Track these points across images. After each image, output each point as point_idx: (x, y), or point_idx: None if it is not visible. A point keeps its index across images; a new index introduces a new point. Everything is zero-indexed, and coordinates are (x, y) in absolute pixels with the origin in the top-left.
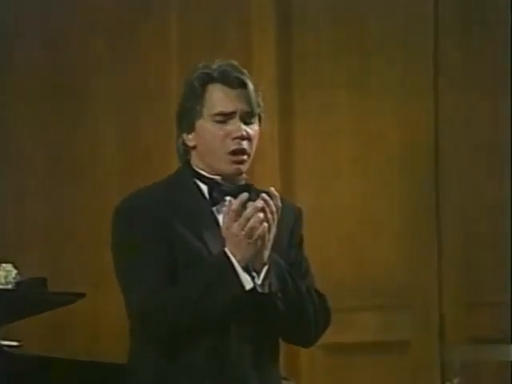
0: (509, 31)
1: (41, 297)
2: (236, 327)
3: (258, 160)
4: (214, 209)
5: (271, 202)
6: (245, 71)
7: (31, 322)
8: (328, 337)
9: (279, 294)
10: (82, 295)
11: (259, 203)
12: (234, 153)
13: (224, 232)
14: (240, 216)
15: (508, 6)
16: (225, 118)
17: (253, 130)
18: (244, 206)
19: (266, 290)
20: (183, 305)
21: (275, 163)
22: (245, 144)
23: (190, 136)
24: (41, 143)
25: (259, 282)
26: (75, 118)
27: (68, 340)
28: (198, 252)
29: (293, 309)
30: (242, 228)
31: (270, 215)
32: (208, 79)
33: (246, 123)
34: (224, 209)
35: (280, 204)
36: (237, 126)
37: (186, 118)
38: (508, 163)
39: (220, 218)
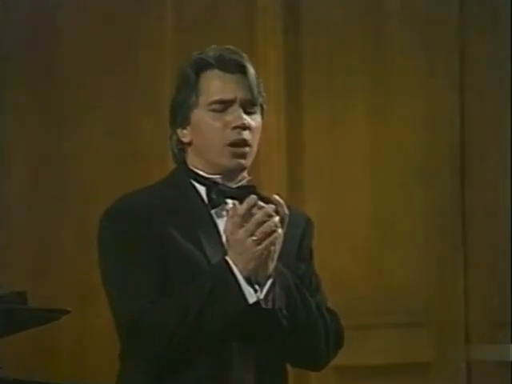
0: None
1: (20, 313)
2: (237, 348)
3: (262, 162)
4: (213, 212)
5: (284, 205)
6: (244, 55)
7: (10, 342)
8: (341, 358)
9: (284, 311)
10: (66, 312)
11: (270, 207)
12: (234, 144)
13: (227, 238)
14: (246, 221)
15: None
16: (223, 106)
17: (255, 121)
18: (250, 210)
19: (270, 306)
20: (180, 319)
21: (282, 165)
22: (246, 134)
23: (185, 131)
24: (23, 145)
25: (262, 296)
26: (60, 118)
27: (51, 362)
28: (196, 260)
29: (300, 327)
30: (249, 234)
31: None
32: (203, 65)
33: (247, 113)
34: (224, 212)
35: (287, 211)
36: (236, 115)
37: (181, 111)
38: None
39: (219, 222)
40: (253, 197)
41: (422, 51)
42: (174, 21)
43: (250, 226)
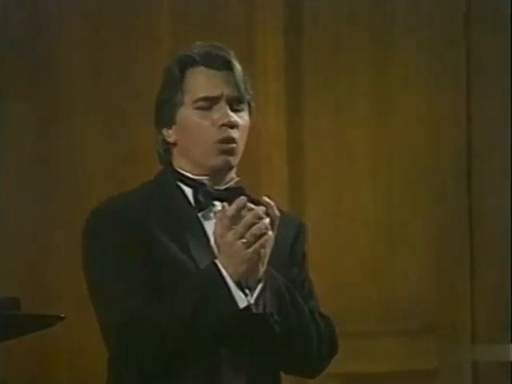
0: None
1: (13, 319)
2: (228, 354)
3: (263, 163)
4: (200, 215)
5: (275, 207)
6: (231, 52)
7: (1, 350)
8: (345, 365)
9: (276, 316)
10: (60, 318)
11: (260, 209)
12: (222, 141)
13: (216, 241)
14: (236, 224)
15: None
16: (209, 103)
17: (242, 119)
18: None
19: (261, 311)
20: (169, 324)
21: (283, 167)
22: (233, 132)
23: (171, 131)
24: (18, 144)
25: (252, 300)
26: (51, 117)
27: (45, 370)
28: (183, 263)
29: (292, 332)
30: (238, 237)
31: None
32: (188, 62)
33: (234, 110)
34: (212, 215)
35: (277, 213)
36: (223, 112)
37: (166, 110)
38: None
39: (207, 224)
40: (242, 198)
41: (426, 50)
42: (172, 20)
43: (239, 228)
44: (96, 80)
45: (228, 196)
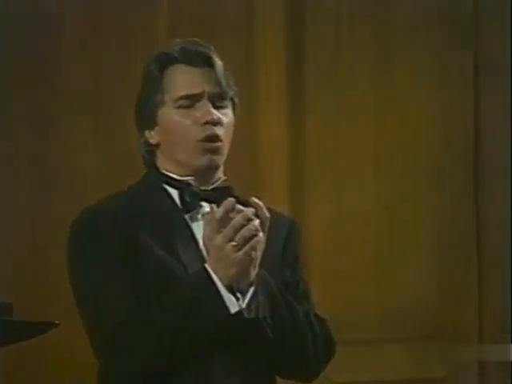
0: None
1: (4, 326)
2: (220, 360)
3: (263, 166)
4: (187, 216)
5: (264, 208)
6: (211, 47)
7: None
8: (349, 374)
9: (269, 320)
10: (54, 324)
11: (249, 211)
12: (206, 139)
13: (206, 244)
14: (225, 226)
15: None
16: (191, 101)
17: (226, 116)
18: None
19: (253, 315)
20: (158, 332)
21: (284, 170)
22: (217, 129)
23: (153, 132)
24: (10, 145)
25: (244, 304)
26: (45, 117)
27: (37, 379)
28: (171, 268)
29: (287, 336)
30: (227, 240)
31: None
32: (167, 60)
33: (217, 107)
34: (199, 216)
35: (267, 215)
36: (205, 110)
37: (146, 111)
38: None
39: (195, 226)
40: (230, 199)
41: (432, 50)
42: (169, 21)
43: (228, 230)
44: (95, 80)
45: (215, 196)
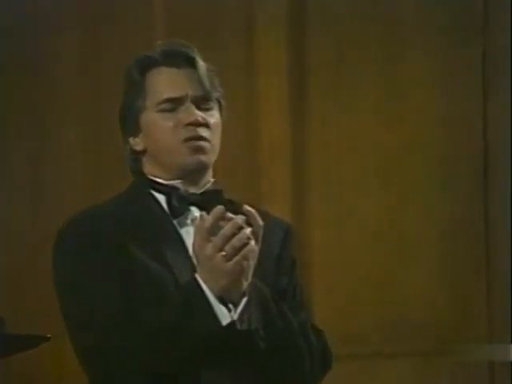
0: None
1: None
2: (212, 375)
3: (264, 172)
4: (176, 222)
5: (257, 216)
6: (193, 48)
7: None
8: None
9: (261, 332)
10: (45, 338)
11: (239, 218)
12: (190, 139)
13: (195, 254)
14: (215, 235)
15: None
16: (173, 105)
17: (212, 117)
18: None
19: (245, 327)
20: (146, 343)
21: (286, 176)
22: (202, 131)
23: (138, 139)
24: (3, 145)
25: (236, 316)
26: (34, 118)
27: None
28: (161, 276)
29: (281, 349)
30: (217, 250)
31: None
32: (147, 64)
33: (201, 109)
34: (189, 221)
35: (261, 223)
36: (189, 112)
37: (129, 117)
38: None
39: (184, 232)
40: (219, 207)
41: (440, 49)
42: (166, 21)
43: (217, 240)
44: (94, 80)
45: (205, 200)
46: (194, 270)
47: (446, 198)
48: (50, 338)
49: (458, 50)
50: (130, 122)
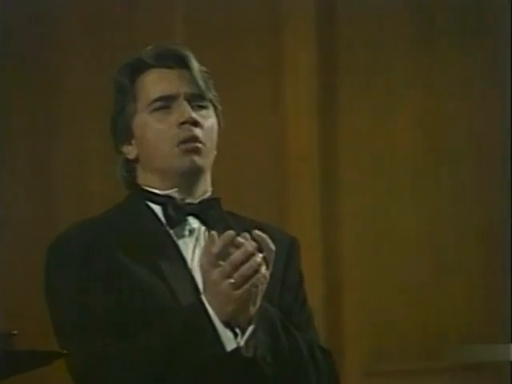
0: None
1: (6, 356)
2: None
3: (292, 178)
4: (173, 232)
5: (268, 240)
6: (186, 48)
7: None
8: None
9: (268, 358)
10: (60, 354)
11: (250, 244)
12: (185, 141)
13: (201, 276)
14: (224, 259)
15: None
16: (166, 103)
17: (206, 118)
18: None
19: (251, 354)
20: (143, 365)
21: (314, 184)
22: (197, 131)
23: (130, 146)
24: (9, 147)
25: (242, 342)
26: (51, 121)
27: None
28: (158, 292)
29: (288, 376)
30: (225, 276)
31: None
32: (137, 67)
33: (196, 107)
34: (186, 232)
35: (273, 247)
36: (183, 109)
37: (121, 124)
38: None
39: (181, 243)
40: (230, 232)
41: (472, 51)
42: (186, 24)
43: (226, 266)
44: (100, 83)
45: (202, 210)
46: (191, 281)
47: (482, 204)
48: (65, 353)
49: (489, 51)
50: (122, 129)
